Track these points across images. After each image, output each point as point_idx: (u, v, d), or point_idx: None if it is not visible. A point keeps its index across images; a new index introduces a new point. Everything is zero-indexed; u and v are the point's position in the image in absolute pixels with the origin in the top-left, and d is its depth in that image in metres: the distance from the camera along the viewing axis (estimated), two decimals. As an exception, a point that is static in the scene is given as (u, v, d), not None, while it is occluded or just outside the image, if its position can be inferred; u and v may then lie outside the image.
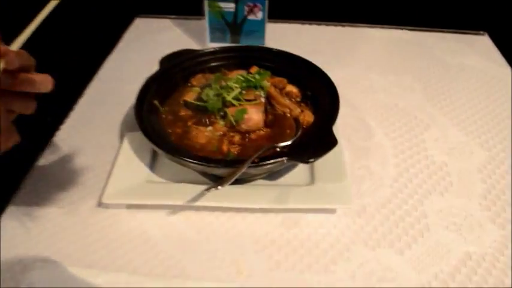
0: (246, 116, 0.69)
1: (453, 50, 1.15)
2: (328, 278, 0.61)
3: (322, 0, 1.37)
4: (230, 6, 1.00)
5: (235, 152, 0.68)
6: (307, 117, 0.74)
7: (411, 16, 1.30)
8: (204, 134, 0.69)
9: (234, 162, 0.63)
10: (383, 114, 0.91)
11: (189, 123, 0.73)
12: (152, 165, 0.74)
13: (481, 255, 0.65)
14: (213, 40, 1.07)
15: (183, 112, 0.75)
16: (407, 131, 0.87)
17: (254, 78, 0.74)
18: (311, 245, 0.65)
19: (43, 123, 0.86)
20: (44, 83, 0.47)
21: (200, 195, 0.66)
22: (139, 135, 0.68)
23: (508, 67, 1.08)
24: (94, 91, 0.97)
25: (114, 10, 1.32)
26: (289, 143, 0.68)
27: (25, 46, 0.47)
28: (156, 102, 0.75)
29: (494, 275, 0.62)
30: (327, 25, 1.23)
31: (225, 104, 0.72)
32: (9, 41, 0.46)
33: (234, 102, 0.71)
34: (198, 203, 0.66)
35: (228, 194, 0.66)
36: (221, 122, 0.71)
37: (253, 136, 0.71)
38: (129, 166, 0.72)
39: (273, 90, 0.75)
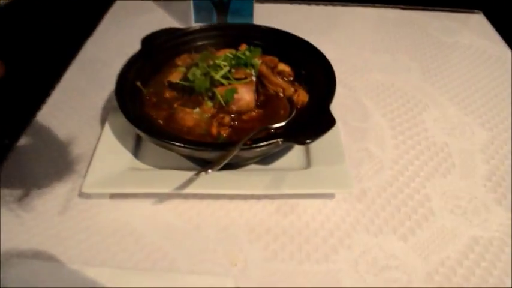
0: (236, 96, 0.64)
1: (448, 28, 1.11)
2: (329, 267, 0.57)
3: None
4: (216, -16, 0.94)
5: (226, 135, 0.63)
6: (302, 96, 0.69)
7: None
8: (192, 116, 0.64)
9: (225, 145, 0.58)
10: (379, 95, 0.87)
11: (175, 105, 0.67)
12: (136, 151, 0.68)
13: (489, 239, 0.61)
14: (198, 21, 1.01)
15: (168, 94, 0.70)
16: (405, 112, 0.83)
17: (244, 55, 0.69)
18: (309, 233, 0.61)
19: (21, 106, 0.81)
20: None
21: (188, 182, 0.61)
22: (121, 119, 0.62)
23: (506, 45, 1.04)
24: (73, 74, 0.90)
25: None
26: (283, 124, 0.63)
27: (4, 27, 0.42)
28: (138, 83, 0.69)
29: (504, 260, 0.59)
30: (317, 4, 1.18)
31: (213, 83, 0.66)
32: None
33: (223, 81, 0.66)
34: (187, 190, 0.60)
35: (218, 180, 0.61)
36: (209, 103, 0.66)
37: (244, 117, 0.66)
38: (111, 152, 0.66)
39: (264, 69, 0.70)
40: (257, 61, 0.70)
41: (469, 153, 0.75)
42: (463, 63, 0.98)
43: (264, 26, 0.81)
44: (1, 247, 0.58)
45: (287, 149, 0.69)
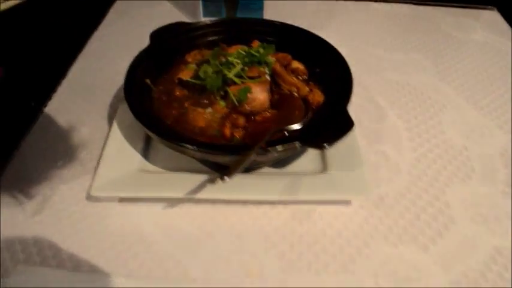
0: (250, 96, 0.61)
1: (462, 25, 1.08)
2: (347, 278, 0.54)
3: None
4: (226, -24, 0.91)
5: (239, 136, 0.60)
6: (317, 96, 0.66)
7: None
8: (203, 117, 0.61)
9: (240, 148, 0.55)
10: (394, 94, 0.84)
11: (186, 104, 0.64)
12: (146, 152, 0.65)
13: (512, 249, 0.59)
14: (206, 15, 0.98)
15: (179, 92, 0.67)
16: (421, 112, 0.80)
17: (257, 52, 0.66)
18: (326, 242, 0.58)
19: (26, 106, 0.78)
20: None
21: (201, 187, 0.58)
22: (130, 118, 0.59)
23: (521, 43, 1.02)
24: (79, 70, 0.87)
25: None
26: (299, 125, 0.60)
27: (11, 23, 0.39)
28: (147, 81, 0.66)
29: (528, 271, 0.56)
30: (328, -1, 1.15)
31: (226, 82, 0.63)
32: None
33: (236, 79, 0.63)
34: (199, 196, 0.58)
35: (231, 185, 0.57)
36: (222, 103, 0.63)
37: (258, 118, 0.63)
38: (119, 153, 0.64)
39: (278, 67, 0.67)
40: (271, 59, 0.67)
41: (489, 157, 0.72)
42: (478, 62, 0.95)
43: (277, 22, 0.78)
44: (6, 252, 0.55)
45: (302, 152, 0.67)
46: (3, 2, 0.46)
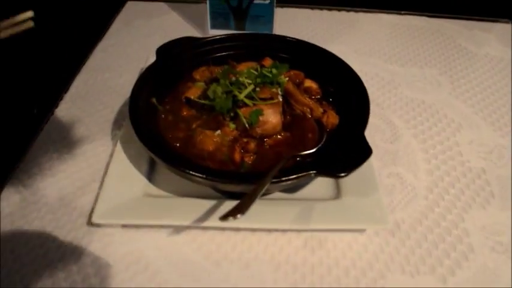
0: (261, 119, 0.59)
1: (477, 38, 1.05)
2: (363, 315, 0.51)
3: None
4: (235, -12, 0.88)
5: (250, 162, 0.57)
6: (332, 118, 0.63)
7: (426, 2, 1.19)
8: (212, 140, 0.59)
9: (251, 177, 0.52)
10: (409, 112, 0.81)
11: (194, 126, 0.62)
12: (151, 174, 0.63)
13: (535, 282, 0.56)
14: (214, 26, 0.95)
15: (186, 112, 0.64)
16: (437, 132, 0.77)
17: (270, 72, 0.63)
18: (340, 272, 0.55)
19: (28, 118, 0.75)
20: None
21: (209, 214, 0.56)
22: (134, 140, 0.56)
23: (539, 58, 0.98)
24: (82, 84, 0.84)
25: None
26: (313, 150, 0.57)
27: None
28: (153, 100, 0.64)
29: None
30: (339, 10, 1.12)
31: (236, 103, 0.60)
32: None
33: (247, 101, 0.60)
34: (207, 224, 0.55)
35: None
36: (232, 125, 0.60)
37: (269, 142, 0.60)
38: (123, 176, 0.61)
39: (291, 87, 0.64)
40: (284, 79, 0.64)
41: (507, 180, 0.69)
42: (496, 78, 0.92)
43: (289, 37, 0.75)
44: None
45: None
46: (3, 31, 0.44)
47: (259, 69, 0.65)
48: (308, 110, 0.64)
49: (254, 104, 0.60)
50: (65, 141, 0.71)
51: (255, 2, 0.90)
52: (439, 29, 1.07)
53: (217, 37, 0.74)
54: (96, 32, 0.99)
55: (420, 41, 1.02)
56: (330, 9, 1.11)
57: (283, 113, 0.63)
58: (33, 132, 0.72)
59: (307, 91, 0.68)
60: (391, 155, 0.72)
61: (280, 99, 0.62)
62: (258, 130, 0.59)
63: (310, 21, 1.06)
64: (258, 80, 0.62)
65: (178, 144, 0.60)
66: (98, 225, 0.58)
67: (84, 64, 0.89)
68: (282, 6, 1.04)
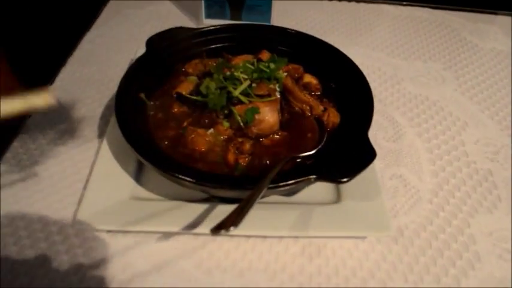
0: (257, 117, 0.55)
1: (483, 32, 1.01)
2: (365, 330, 0.48)
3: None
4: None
5: (245, 164, 0.53)
6: (332, 117, 0.59)
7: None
8: (205, 139, 0.55)
9: (245, 182, 0.48)
10: (412, 110, 0.77)
11: (185, 124, 0.58)
12: (138, 175, 0.59)
13: (546, 293, 0.52)
14: (209, 16, 0.90)
15: (177, 108, 0.60)
16: (442, 131, 0.73)
17: (268, 67, 0.59)
18: (339, 282, 0.53)
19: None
20: None
21: (201, 219, 0.52)
22: (121, 137, 0.52)
23: (547, 53, 0.94)
24: (67, 77, 0.79)
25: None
26: (313, 152, 0.53)
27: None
28: (142, 95, 0.59)
29: None
30: (340, 0, 1.07)
31: (231, 100, 0.56)
32: None
33: (243, 98, 0.56)
34: (198, 230, 0.51)
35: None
36: (225, 123, 0.56)
37: (266, 142, 0.56)
38: (109, 177, 0.57)
39: (289, 83, 0.60)
40: (282, 74, 0.60)
41: (516, 183, 0.66)
42: (503, 74, 0.88)
43: (288, 29, 0.71)
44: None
45: (314, 179, 0.60)
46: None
47: (255, 63, 0.61)
48: (307, 107, 0.60)
49: (250, 101, 0.56)
50: (48, 138, 0.66)
51: (252, -10, 0.85)
52: (443, 21, 1.03)
53: (212, 28, 0.70)
54: (83, 21, 0.94)
55: (424, 33, 0.98)
56: (330, 0, 1.06)
57: (281, 111, 0.59)
58: (14, 127, 0.67)
59: (307, 87, 0.64)
60: (394, 155, 0.68)
61: (278, 96, 0.58)
62: (254, 129, 0.55)
63: (310, 12, 1.02)
64: (255, 75, 0.58)
65: (167, 144, 0.55)
66: (81, 229, 0.54)
67: (70, 56, 0.84)
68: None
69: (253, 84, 0.57)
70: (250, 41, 0.69)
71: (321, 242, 0.56)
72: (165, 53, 0.66)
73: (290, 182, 0.46)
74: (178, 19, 0.95)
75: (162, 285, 0.50)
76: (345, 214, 0.55)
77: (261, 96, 0.56)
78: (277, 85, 0.59)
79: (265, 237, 0.55)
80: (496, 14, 1.07)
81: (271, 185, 0.46)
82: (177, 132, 0.57)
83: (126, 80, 0.59)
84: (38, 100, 0.45)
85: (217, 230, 0.38)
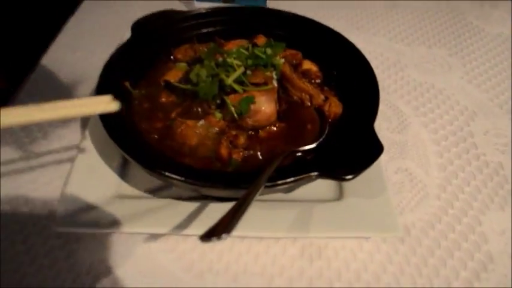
0: (253, 107, 0.50)
1: (490, 16, 0.96)
2: None
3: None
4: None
5: (239, 159, 0.48)
6: (334, 107, 0.54)
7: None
8: (195, 132, 0.50)
9: (240, 179, 0.43)
10: (417, 98, 0.73)
11: (173, 115, 0.53)
12: (124, 170, 0.54)
13: None
14: (201, -1, 0.85)
15: (165, 97, 0.55)
16: (449, 121, 0.69)
17: (264, 53, 0.54)
18: (342, 286, 0.48)
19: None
20: None
21: (191, 219, 0.47)
22: (104, 130, 0.47)
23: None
24: (50, 64, 0.74)
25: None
26: (313, 145, 0.49)
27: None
28: (126, 83, 0.54)
29: None
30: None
31: (223, 88, 0.51)
32: None
33: (236, 87, 0.51)
34: (188, 232, 0.47)
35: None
36: (218, 114, 0.51)
37: (262, 134, 0.51)
38: (91, 173, 0.52)
39: (287, 70, 0.55)
40: (279, 60, 0.55)
41: (528, 176, 0.62)
42: (511, 60, 0.83)
43: (285, 12, 0.65)
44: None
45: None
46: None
47: (250, 48, 0.56)
48: (307, 97, 0.55)
49: (244, 90, 0.51)
50: (27, 130, 0.62)
51: (246, -29, 0.80)
52: (448, 5, 0.98)
53: (203, 11, 0.64)
54: (67, 4, 0.88)
55: (428, 17, 0.93)
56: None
57: (279, 101, 0.54)
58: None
59: (306, 74, 0.59)
60: (399, 147, 0.64)
61: (275, 85, 0.53)
62: (249, 121, 0.51)
63: (308, -6, 0.96)
64: (250, 62, 0.53)
65: (154, 137, 0.51)
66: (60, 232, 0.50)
67: (53, 41, 0.79)
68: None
69: (248, 72, 0.53)
70: (244, 25, 0.64)
71: (322, 243, 0.52)
72: (153, 37, 0.61)
73: (289, 179, 0.42)
74: (168, 2, 0.89)
75: (150, 290, 0.46)
76: (348, 212, 0.50)
77: (256, 85, 0.52)
78: (274, 72, 0.54)
79: (262, 237, 0.51)
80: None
81: (268, 183, 0.41)
82: (165, 124, 0.52)
83: (109, 67, 0.54)
84: (102, 106, 0.43)
85: (207, 237, 0.33)
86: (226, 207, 0.38)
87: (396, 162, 0.62)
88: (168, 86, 0.56)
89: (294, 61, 0.61)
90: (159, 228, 0.48)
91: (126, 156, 0.45)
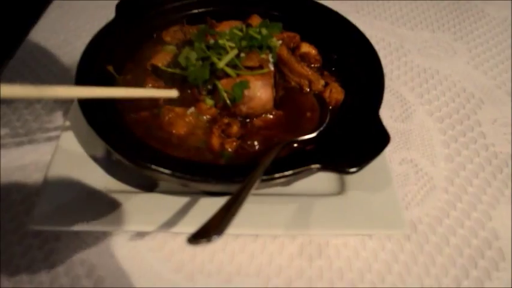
0: (247, 93, 0.46)
1: (496, 1, 0.91)
2: None
3: None
4: None
5: (232, 150, 0.44)
6: (335, 93, 0.50)
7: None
8: (184, 120, 0.46)
9: (233, 173, 0.39)
10: (422, 85, 0.69)
11: (161, 102, 0.48)
12: (109, 162, 0.49)
13: None
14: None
15: (152, 83, 0.51)
16: (456, 109, 0.65)
17: (259, 33, 0.49)
18: (344, 287, 0.44)
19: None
20: None
21: (181, 215, 0.43)
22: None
23: None
24: (30, 48, 0.69)
25: None
26: (314, 135, 0.45)
27: None
28: (110, 68, 0.50)
29: None
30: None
31: (215, 73, 0.47)
32: None
33: (229, 70, 0.46)
34: (178, 229, 0.43)
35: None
36: (209, 101, 0.47)
37: (257, 123, 0.47)
38: (72, 165, 0.48)
39: (285, 53, 0.51)
40: (276, 42, 0.51)
41: (539, 167, 0.58)
42: (519, 45, 0.79)
43: (282, -9, 0.61)
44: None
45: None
46: None
47: (244, 29, 0.51)
48: (306, 82, 0.51)
49: (238, 75, 0.47)
50: (4, 120, 0.57)
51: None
52: (451, -13, 0.93)
53: (193, -10, 0.60)
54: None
55: (431, 0, 0.89)
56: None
57: (275, 86, 0.49)
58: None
59: (304, 58, 0.55)
60: (403, 137, 0.60)
61: (272, 68, 0.49)
62: (243, 108, 0.46)
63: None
64: (243, 43, 0.49)
65: (140, 127, 0.46)
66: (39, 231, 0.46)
67: (35, 24, 0.73)
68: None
69: (242, 54, 0.48)
70: (237, 5, 0.60)
71: (322, 240, 0.48)
72: (139, 18, 0.56)
73: (288, 172, 0.38)
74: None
75: (134, 293, 0.42)
76: (350, 207, 0.47)
77: (251, 68, 0.47)
78: (270, 55, 0.49)
79: (257, 235, 0.47)
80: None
81: (264, 177, 0.37)
82: (151, 113, 0.47)
83: (91, 50, 0.50)
84: (166, 93, 0.45)
85: (195, 239, 0.29)
86: (219, 202, 0.34)
87: (400, 152, 0.58)
88: (155, 71, 0.51)
89: (291, 44, 0.56)
90: (145, 225, 0.44)
91: (108, 147, 0.41)
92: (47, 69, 0.65)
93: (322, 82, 0.51)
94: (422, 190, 0.54)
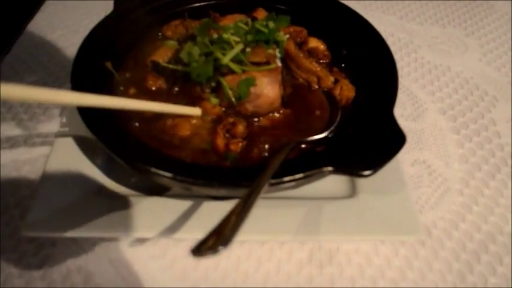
0: (253, 91, 0.43)
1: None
2: None
3: None
4: None
5: (238, 151, 0.42)
6: (346, 90, 0.48)
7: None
8: (190, 123, 0.43)
9: (239, 176, 0.37)
10: (433, 82, 0.66)
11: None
12: (107, 165, 0.47)
13: None
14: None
15: (152, 81, 0.48)
16: (469, 107, 0.63)
17: (265, 27, 0.47)
18: (356, 297, 0.42)
19: None
20: None
21: (182, 220, 0.41)
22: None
23: None
24: (27, 44, 0.67)
25: None
26: (324, 135, 0.42)
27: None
28: (108, 64, 0.47)
29: None
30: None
31: (219, 69, 0.44)
32: None
33: (234, 67, 0.44)
34: (180, 235, 0.40)
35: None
36: (213, 99, 0.44)
37: (264, 123, 0.45)
38: (68, 169, 0.45)
39: (292, 48, 0.48)
40: (283, 36, 0.48)
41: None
42: (531, 41, 0.77)
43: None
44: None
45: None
46: None
47: (250, 22, 0.49)
48: (315, 79, 0.49)
49: (243, 71, 0.44)
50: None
51: None
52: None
53: (196, -18, 0.57)
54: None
55: (441, -5, 0.86)
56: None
57: (283, 83, 0.47)
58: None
59: (313, 53, 0.52)
60: (415, 136, 0.58)
61: (279, 64, 0.46)
62: (249, 106, 0.44)
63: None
64: (249, 38, 0.46)
65: (140, 128, 0.44)
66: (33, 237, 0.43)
67: (31, 19, 0.71)
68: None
69: (248, 49, 0.46)
70: (242, -1, 0.57)
71: (333, 246, 0.46)
72: (138, 12, 0.54)
73: (298, 176, 0.35)
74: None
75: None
76: (362, 211, 0.45)
77: (257, 64, 0.45)
78: (277, 50, 0.47)
79: (263, 241, 0.45)
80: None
81: (273, 180, 0.35)
82: (153, 115, 0.45)
83: (88, 45, 0.47)
84: (189, 111, 0.42)
85: (200, 250, 0.27)
86: (224, 206, 0.31)
87: (413, 153, 0.56)
88: (156, 67, 0.49)
89: (298, 39, 0.54)
90: (146, 231, 0.41)
91: (106, 150, 0.38)
92: (43, 66, 0.63)
93: (332, 79, 0.49)
94: (436, 193, 0.51)
